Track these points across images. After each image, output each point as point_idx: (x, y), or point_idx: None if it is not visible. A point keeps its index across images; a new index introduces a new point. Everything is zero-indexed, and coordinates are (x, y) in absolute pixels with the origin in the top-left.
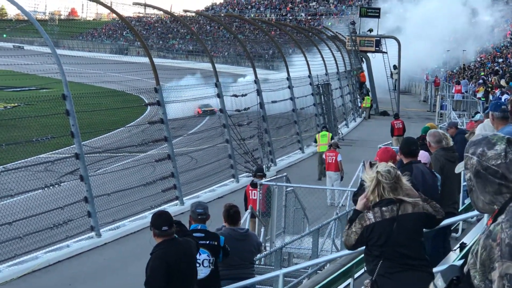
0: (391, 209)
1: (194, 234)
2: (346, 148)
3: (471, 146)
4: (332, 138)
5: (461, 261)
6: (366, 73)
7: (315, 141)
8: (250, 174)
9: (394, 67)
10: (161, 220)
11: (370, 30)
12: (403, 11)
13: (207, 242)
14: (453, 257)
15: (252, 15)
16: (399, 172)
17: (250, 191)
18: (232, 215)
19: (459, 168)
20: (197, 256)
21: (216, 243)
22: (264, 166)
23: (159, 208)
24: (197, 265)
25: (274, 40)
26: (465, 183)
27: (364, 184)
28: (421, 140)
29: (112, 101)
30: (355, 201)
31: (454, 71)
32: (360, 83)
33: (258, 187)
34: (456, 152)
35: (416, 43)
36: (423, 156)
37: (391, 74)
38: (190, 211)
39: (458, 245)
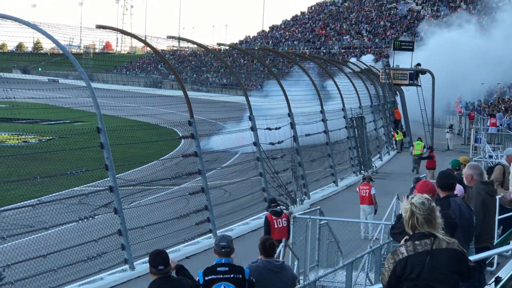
0: (425, 243)
1: (218, 269)
2: (380, 181)
3: None
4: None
5: None
6: (399, 106)
7: (412, 146)
8: (284, 207)
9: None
10: (158, 260)
11: (418, 65)
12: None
13: (232, 276)
14: None
15: (285, 49)
16: (433, 204)
17: (274, 220)
18: (268, 247)
19: None
20: None
21: (240, 276)
22: (297, 199)
23: (192, 241)
24: None
25: (308, 73)
26: (500, 217)
27: (403, 215)
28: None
29: (146, 134)
30: (392, 235)
31: (488, 104)
32: (395, 120)
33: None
34: (494, 187)
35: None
36: (457, 189)
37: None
38: (214, 244)
39: (493, 279)
